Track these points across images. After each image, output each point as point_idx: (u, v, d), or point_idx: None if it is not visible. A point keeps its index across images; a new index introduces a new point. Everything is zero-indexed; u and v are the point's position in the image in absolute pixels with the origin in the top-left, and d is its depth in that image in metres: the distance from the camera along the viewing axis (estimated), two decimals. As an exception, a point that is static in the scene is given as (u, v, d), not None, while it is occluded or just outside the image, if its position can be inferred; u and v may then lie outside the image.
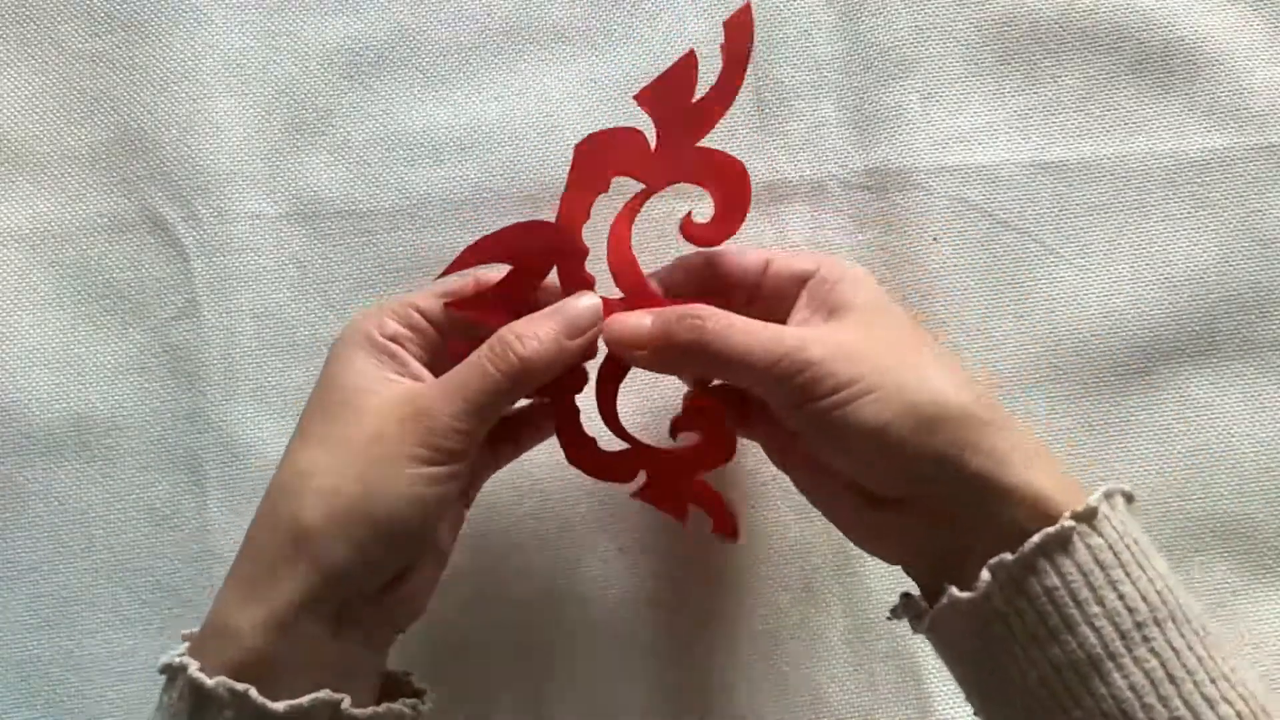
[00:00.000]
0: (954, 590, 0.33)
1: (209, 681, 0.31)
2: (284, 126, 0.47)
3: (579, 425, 0.39)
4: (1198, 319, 0.47)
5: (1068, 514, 0.32)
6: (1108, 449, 0.46)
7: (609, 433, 0.40)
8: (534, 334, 0.35)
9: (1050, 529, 0.31)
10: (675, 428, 0.40)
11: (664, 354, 0.36)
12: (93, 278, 0.46)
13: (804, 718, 0.44)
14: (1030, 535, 0.32)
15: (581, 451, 0.39)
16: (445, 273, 0.38)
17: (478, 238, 0.37)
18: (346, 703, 0.33)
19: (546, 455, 0.45)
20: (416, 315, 0.37)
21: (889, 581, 0.45)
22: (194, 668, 0.32)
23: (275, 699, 0.31)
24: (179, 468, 0.45)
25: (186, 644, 0.33)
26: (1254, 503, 0.46)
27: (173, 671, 0.33)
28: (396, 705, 0.35)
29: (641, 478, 0.40)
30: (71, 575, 0.45)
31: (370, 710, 0.33)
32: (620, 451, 0.40)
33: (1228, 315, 0.47)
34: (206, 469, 0.45)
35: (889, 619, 0.37)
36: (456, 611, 0.44)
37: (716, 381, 0.40)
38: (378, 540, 0.33)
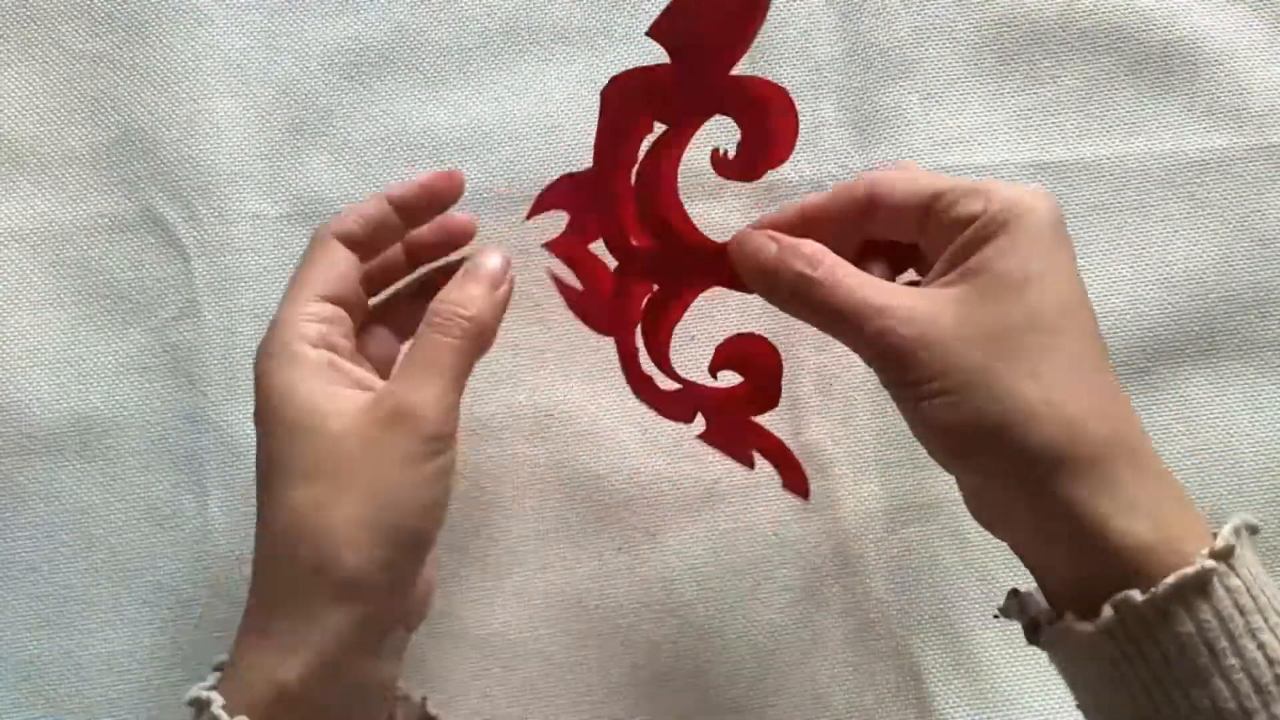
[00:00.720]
0: (1072, 619, 0.30)
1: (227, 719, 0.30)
2: (285, 127, 0.47)
3: (639, 362, 0.38)
4: (1197, 319, 0.47)
5: (1206, 550, 0.29)
6: (1108, 449, 0.46)
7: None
8: (467, 295, 0.35)
9: (1188, 570, 0.28)
10: (713, 365, 0.38)
11: (774, 292, 0.34)
12: (93, 278, 0.46)
13: (804, 718, 0.44)
14: (1154, 572, 0.29)
15: (643, 386, 0.38)
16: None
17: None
18: None
19: (547, 454, 0.45)
20: (326, 306, 0.36)
21: (889, 581, 0.45)
22: (217, 704, 0.31)
23: None
24: (179, 468, 0.45)
25: (216, 674, 0.33)
26: (1254, 503, 0.46)
27: (200, 706, 0.31)
28: None
29: (700, 421, 0.39)
30: (71, 575, 0.45)
31: None
32: (675, 390, 0.39)
33: (1227, 315, 0.47)
34: (207, 469, 0.45)
35: (995, 618, 0.35)
36: (463, 609, 0.44)
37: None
38: (405, 552, 0.32)
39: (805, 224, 0.35)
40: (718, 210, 0.47)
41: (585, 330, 0.39)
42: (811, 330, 0.34)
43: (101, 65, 0.47)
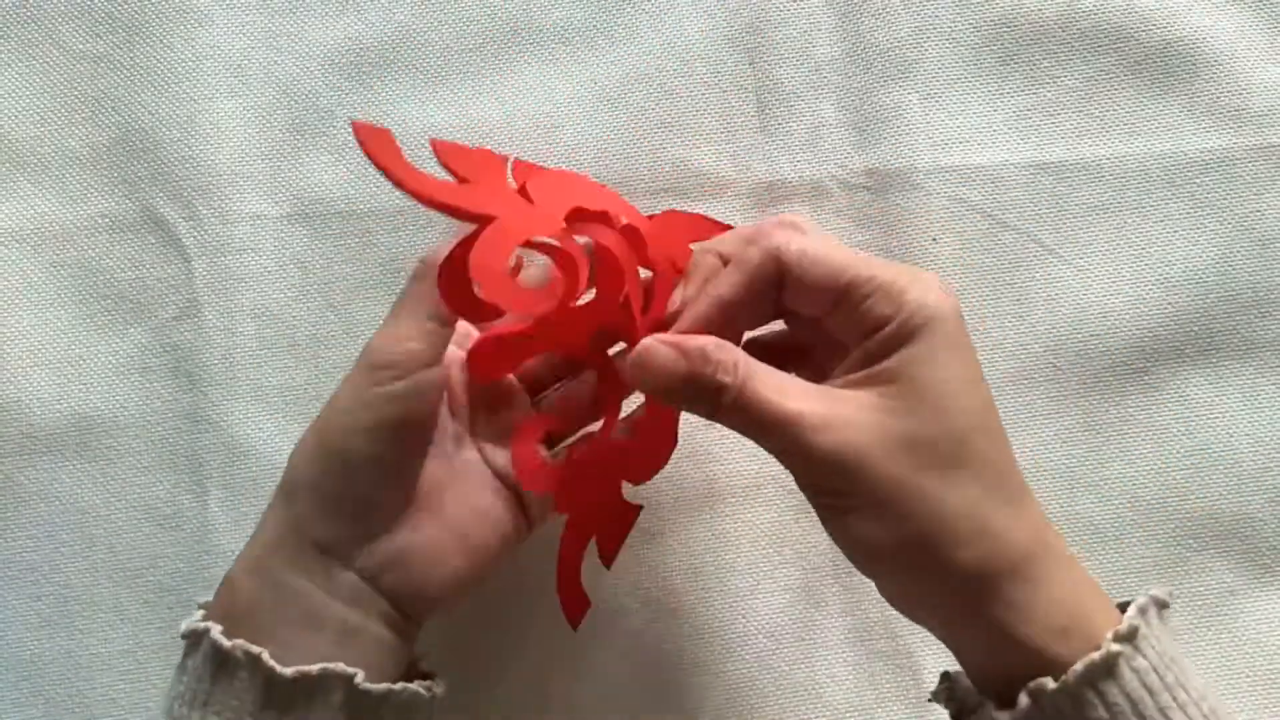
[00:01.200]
0: (992, 710, 0.31)
1: (226, 644, 0.32)
2: (285, 127, 0.47)
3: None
4: (1197, 319, 0.47)
5: (1110, 635, 0.29)
6: (1108, 449, 0.46)
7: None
8: (445, 245, 0.34)
9: (1094, 656, 0.29)
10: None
11: (685, 405, 0.33)
12: (94, 278, 0.46)
13: (804, 718, 0.44)
14: (1071, 658, 0.29)
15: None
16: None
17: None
18: (360, 677, 0.32)
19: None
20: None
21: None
22: (215, 630, 0.32)
23: (274, 651, 0.32)
24: (180, 468, 0.45)
25: (203, 611, 0.34)
26: (1253, 503, 0.46)
27: (195, 636, 0.33)
28: (412, 685, 0.34)
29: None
30: (71, 575, 0.45)
31: (385, 687, 0.33)
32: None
33: (1227, 315, 0.47)
34: (207, 469, 0.45)
35: (929, 700, 0.35)
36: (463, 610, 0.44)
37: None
38: (331, 465, 0.34)
39: (723, 318, 0.33)
40: (719, 210, 0.47)
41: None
42: None
43: (101, 65, 0.47)
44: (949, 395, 0.30)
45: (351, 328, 0.46)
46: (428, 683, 0.35)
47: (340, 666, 0.32)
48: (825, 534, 0.45)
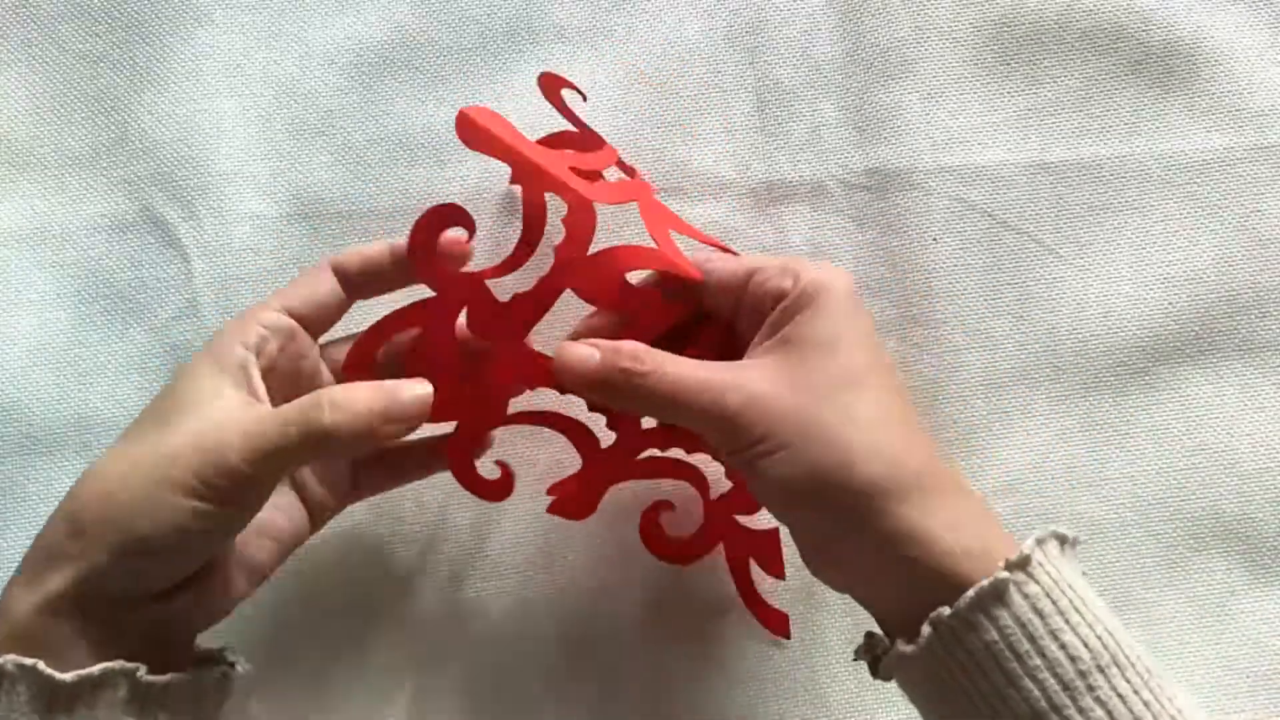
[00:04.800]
0: (900, 644, 0.33)
1: None
2: (285, 127, 0.47)
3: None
4: (1197, 319, 0.47)
5: (1001, 563, 0.31)
6: (1108, 449, 0.46)
7: None
8: (349, 406, 0.33)
9: (984, 582, 0.31)
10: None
11: (605, 393, 0.35)
12: (94, 278, 0.46)
13: (804, 717, 0.45)
14: (964, 587, 0.31)
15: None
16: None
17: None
18: (143, 671, 0.32)
19: (547, 455, 0.45)
20: (283, 317, 0.37)
21: (889, 581, 0.45)
22: None
23: (51, 663, 0.31)
24: (180, 468, 0.45)
25: None
26: (1254, 503, 0.46)
27: None
28: (200, 671, 0.34)
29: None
30: (72, 575, 0.45)
31: (170, 677, 0.33)
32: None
33: (1226, 315, 0.47)
34: (207, 469, 0.45)
35: (854, 660, 0.37)
36: (463, 608, 0.44)
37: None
38: (136, 554, 0.32)
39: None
40: (719, 210, 0.47)
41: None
42: None
43: (101, 65, 0.47)
44: (841, 342, 0.34)
45: (350, 328, 0.46)
46: (221, 668, 0.36)
47: (121, 664, 0.32)
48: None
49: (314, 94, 0.47)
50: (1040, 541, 0.32)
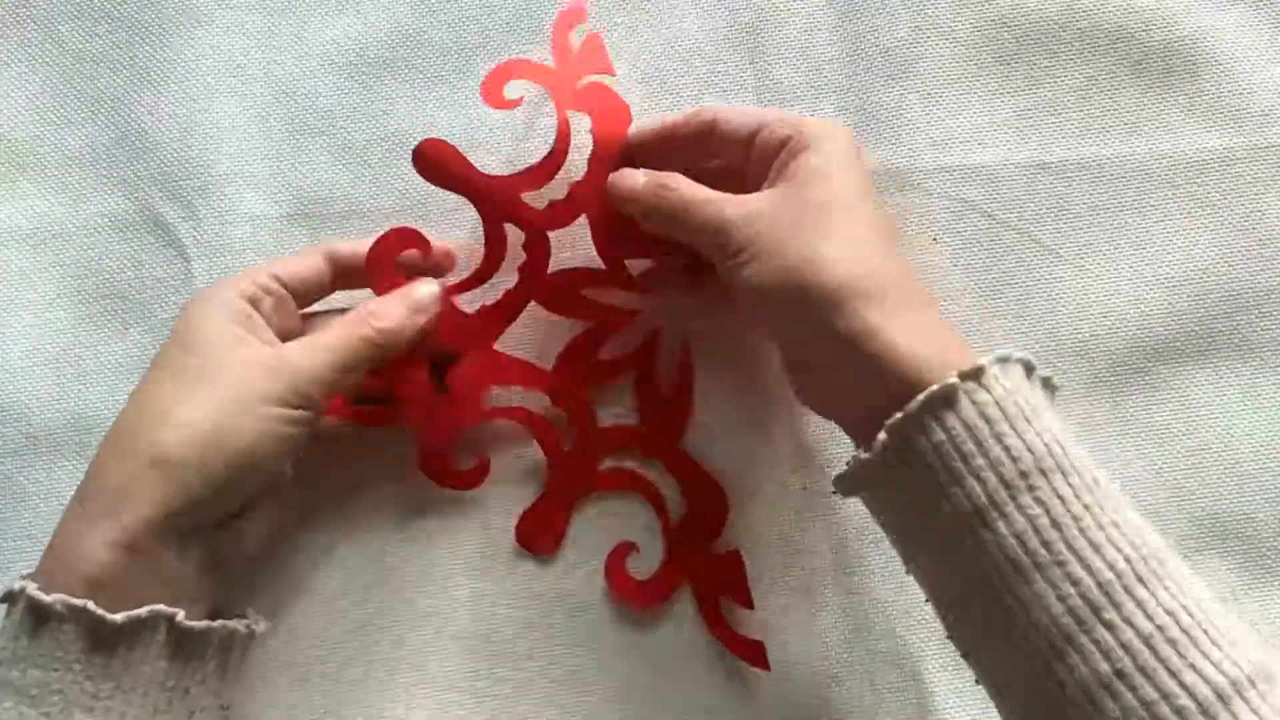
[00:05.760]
0: (860, 453, 0.34)
1: (46, 599, 0.33)
2: (285, 127, 0.47)
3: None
4: (1197, 319, 0.47)
5: (954, 372, 0.32)
6: (1108, 449, 0.46)
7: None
8: (386, 309, 0.40)
9: (935, 386, 0.32)
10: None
11: (644, 210, 0.41)
12: (94, 278, 0.46)
13: (804, 717, 0.44)
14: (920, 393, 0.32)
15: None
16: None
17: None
18: (181, 616, 0.34)
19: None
20: (275, 283, 0.40)
21: (889, 582, 0.45)
22: (32, 588, 0.33)
23: (115, 613, 0.33)
24: (180, 468, 0.45)
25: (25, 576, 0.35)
26: (1254, 503, 0.46)
27: (13, 597, 0.34)
28: (231, 622, 0.37)
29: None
30: (72, 575, 0.45)
31: (205, 624, 0.35)
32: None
33: (1227, 315, 0.47)
34: (207, 469, 0.45)
35: (830, 495, 0.39)
36: (459, 611, 0.45)
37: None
38: (231, 469, 0.35)
39: (663, 138, 0.42)
40: (718, 210, 0.47)
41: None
42: None
43: (101, 65, 0.47)
44: (832, 180, 0.37)
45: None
46: (245, 621, 0.38)
47: (163, 606, 0.34)
48: (825, 535, 0.45)
49: (314, 94, 0.47)
50: (1002, 360, 0.33)
